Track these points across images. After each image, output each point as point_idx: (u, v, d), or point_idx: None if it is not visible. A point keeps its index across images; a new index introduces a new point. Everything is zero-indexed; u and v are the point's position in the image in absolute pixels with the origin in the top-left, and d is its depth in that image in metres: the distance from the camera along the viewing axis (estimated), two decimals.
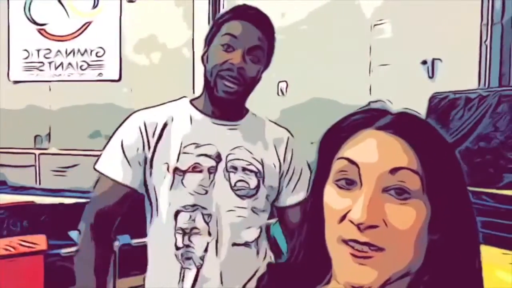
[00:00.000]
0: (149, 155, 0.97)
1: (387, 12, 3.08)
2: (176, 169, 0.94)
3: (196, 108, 0.99)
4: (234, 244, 0.95)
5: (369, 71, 3.16)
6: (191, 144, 0.95)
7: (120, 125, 1.00)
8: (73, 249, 2.26)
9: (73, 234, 2.37)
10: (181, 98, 1.03)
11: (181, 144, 0.96)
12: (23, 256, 2.05)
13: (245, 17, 0.96)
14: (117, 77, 4.21)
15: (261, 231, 0.99)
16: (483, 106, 2.20)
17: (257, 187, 0.96)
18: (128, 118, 1.00)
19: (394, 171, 0.43)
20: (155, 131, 0.97)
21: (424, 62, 2.91)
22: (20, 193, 3.06)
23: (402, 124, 0.45)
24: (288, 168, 1.01)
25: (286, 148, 1.01)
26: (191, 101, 1.01)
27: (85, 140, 4.03)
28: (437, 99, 2.36)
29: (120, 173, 0.96)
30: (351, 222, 0.42)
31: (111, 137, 1.00)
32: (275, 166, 0.99)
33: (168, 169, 0.95)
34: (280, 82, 3.49)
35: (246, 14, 0.97)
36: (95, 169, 0.99)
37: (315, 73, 3.26)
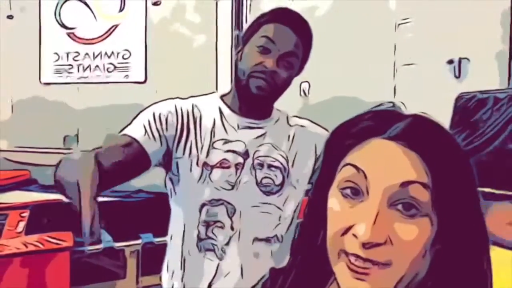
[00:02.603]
0: (178, 141, 0.97)
1: (412, 11, 3.01)
2: (204, 164, 0.96)
3: (226, 104, 1.01)
4: (255, 239, 0.96)
5: (394, 71, 3.11)
6: (220, 139, 0.97)
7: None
8: (98, 246, 2.32)
9: None
10: (212, 93, 1.05)
11: (211, 139, 0.97)
12: (51, 252, 2.12)
13: (284, 21, 0.97)
14: (142, 79, 4.29)
15: (287, 227, 1.00)
16: None
17: (282, 183, 0.98)
18: (161, 102, 1.00)
19: (404, 185, 0.42)
20: (188, 119, 0.98)
21: (451, 62, 2.83)
22: (49, 192, 3.15)
23: (414, 135, 0.44)
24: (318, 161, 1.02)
25: (315, 146, 1.03)
26: (221, 97, 1.03)
27: None
28: (463, 99, 2.30)
29: (139, 133, 0.93)
30: (355, 236, 0.42)
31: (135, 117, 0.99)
32: (305, 161, 1.01)
33: (197, 163, 0.96)
34: (302, 82, 3.47)
35: (286, 18, 0.98)
36: (126, 134, 0.95)
37: (338, 73, 3.23)
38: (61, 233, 2.24)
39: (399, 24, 3.06)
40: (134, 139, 0.93)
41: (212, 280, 0.95)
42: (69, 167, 0.86)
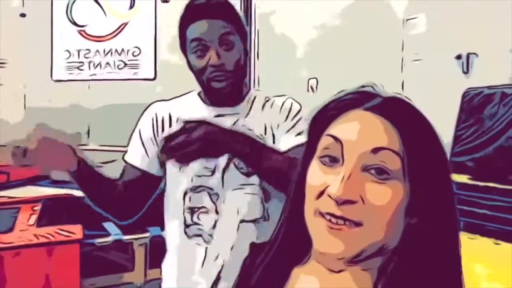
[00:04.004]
0: (160, 144, 1.03)
1: (420, 6, 2.99)
2: None
3: (201, 99, 1.05)
4: (242, 221, 0.98)
5: (402, 66, 3.10)
6: None
7: (141, 116, 1.07)
8: (107, 239, 2.37)
9: (107, 225, 2.47)
10: (191, 91, 1.09)
11: None
12: (61, 244, 2.17)
13: (199, 14, 0.99)
14: (152, 76, 4.33)
15: (273, 204, 1.01)
16: None
17: None
18: (145, 110, 1.06)
19: (375, 150, 0.44)
20: (163, 121, 1.03)
21: (459, 57, 2.81)
22: (60, 187, 3.22)
23: (389, 107, 0.47)
24: (292, 120, 1.03)
25: (289, 110, 1.04)
26: (198, 93, 1.07)
27: (122, 136, 4.16)
28: (470, 95, 2.29)
29: (138, 160, 1.03)
30: (329, 196, 0.43)
31: (134, 128, 1.07)
32: (279, 128, 1.02)
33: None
34: (310, 79, 3.48)
35: (199, 10, 1.00)
36: (124, 160, 1.06)
37: (346, 69, 3.23)
38: (71, 226, 2.29)
39: (407, 20, 3.04)
40: (139, 169, 1.03)
41: (202, 264, 0.98)
42: None
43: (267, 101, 1.05)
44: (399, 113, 0.46)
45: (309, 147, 0.49)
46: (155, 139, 1.03)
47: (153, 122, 1.04)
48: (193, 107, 1.04)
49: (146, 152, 1.04)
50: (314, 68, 3.44)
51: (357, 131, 0.45)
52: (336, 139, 0.46)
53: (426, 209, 0.44)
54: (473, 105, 2.27)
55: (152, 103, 1.08)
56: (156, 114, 1.04)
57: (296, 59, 3.47)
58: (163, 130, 1.03)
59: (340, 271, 0.46)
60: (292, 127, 1.00)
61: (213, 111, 1.02)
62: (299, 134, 0.97)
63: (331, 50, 3.30)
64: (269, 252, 0.51)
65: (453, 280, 0.45)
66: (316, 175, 0.46)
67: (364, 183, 0.43)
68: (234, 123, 1.01)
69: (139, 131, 1.05)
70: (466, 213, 1.83)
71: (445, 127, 2.30)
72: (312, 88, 3.50)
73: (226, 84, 0.98)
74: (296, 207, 0.48)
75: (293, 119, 1.00)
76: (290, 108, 1.02)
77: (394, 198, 0.43)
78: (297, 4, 3.45)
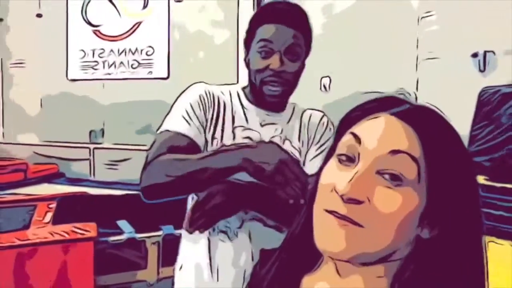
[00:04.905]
0: (207, 124, 1.00)
1: (435, 3, 2.95)
2: (223, 146, 0.99)
3: (245, 96, 1.05)
4: (266, 225, 0.99)
5: (416, 65, 3.05)
6: (240, 126, 1.01)
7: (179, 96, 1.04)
8: (120, 237, 2.39)
9: (121, 223, 2.50)
10: (234, 84, 1.08)
11: (231, 124, 1.01)
12: (75, 241, 2.20)
13: (276, 18, 0.98)
14: (165, 75, 4.36)
15: None
16: None
17: None
18: (190, 88, 1.03)
19: (393, 152, 0.43)
20: (214, 103, 1.01)
21: (475, 55, 2.75)
22: (75, 185, 3.27)
23: (416, 115, 0.46)
24: (320, 146, 1.03)
25: (324, 131, 1.04)
26: (242, 88, 1.07)
27: (136, 135, 4.21)
28: (487, 94, 2.24)
29: (186, 129, 0.97)
30: (336, 192, 0.43)
31: (171, 107, 1.03)
32: (309, 151, 1.03)
33: (217, 144, 1.00)
34: (323, 77, 3.45)
35: (276, 14, 0.99)
36: (165, 130, 1.00)
37: (360, 68, 3.20)
38: (86, 224, 2.33)
39: (422, 17, 3.00)
40: (187, 136, 0.96)
41: (223, 261, 0.98)
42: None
43: (303, 113, 1.06)
44: (425, 121, 0.45)
45: (332, 149, 0.49)
46: (204, 114, 1.00)
47: (200, 98, 1.01)
48: (238, 101, 1.04)
49: (194, 123, 0.99)
50: (327, 67, 3.42)
51: (378, 131, 0.45)
52: (355, 136, 0.45)
53: (448, 219, 0.43)
54: (490, 104, 2.22)
55: (195, 83, 1.06)
56: (205, 92, 1.02)
57: (308, 57, 3.45)
58: (212, 108, 1.00)
59: (350, 276, 0.45)
60: (322, 151, 1.00)
61: (255, 110, 1.03)
62: None
63: (344, 48, 3.27)
64: (279, 259, 0.50)
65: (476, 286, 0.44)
66: (330, 172, 0.45)
67: (375, 186, 0.42)
68: (272, 129, 1.01)
69: (190, 103, 1.00)
70: None
71: (461, 127, 2.25)
72: (325, 86, 3.48)
73: (279, 92, 0.98)
74: (309, 213, 0.48)
75: (325, 143, 1.01)
76: (325, 128, 1.02)
77: (405, 206, 0.42)
78: (309, 2, 3.43)
